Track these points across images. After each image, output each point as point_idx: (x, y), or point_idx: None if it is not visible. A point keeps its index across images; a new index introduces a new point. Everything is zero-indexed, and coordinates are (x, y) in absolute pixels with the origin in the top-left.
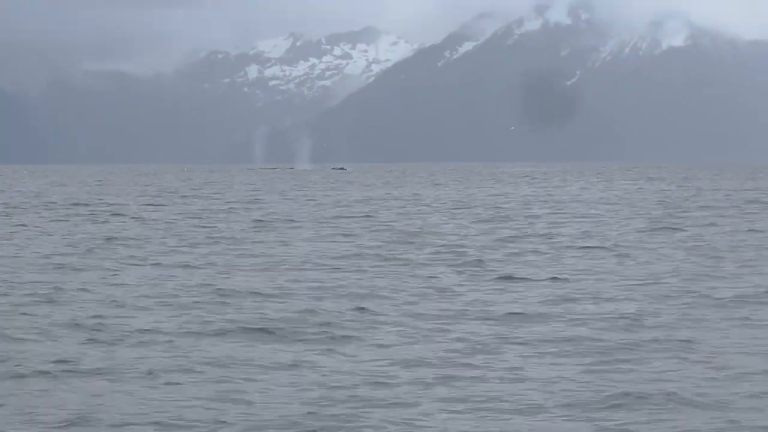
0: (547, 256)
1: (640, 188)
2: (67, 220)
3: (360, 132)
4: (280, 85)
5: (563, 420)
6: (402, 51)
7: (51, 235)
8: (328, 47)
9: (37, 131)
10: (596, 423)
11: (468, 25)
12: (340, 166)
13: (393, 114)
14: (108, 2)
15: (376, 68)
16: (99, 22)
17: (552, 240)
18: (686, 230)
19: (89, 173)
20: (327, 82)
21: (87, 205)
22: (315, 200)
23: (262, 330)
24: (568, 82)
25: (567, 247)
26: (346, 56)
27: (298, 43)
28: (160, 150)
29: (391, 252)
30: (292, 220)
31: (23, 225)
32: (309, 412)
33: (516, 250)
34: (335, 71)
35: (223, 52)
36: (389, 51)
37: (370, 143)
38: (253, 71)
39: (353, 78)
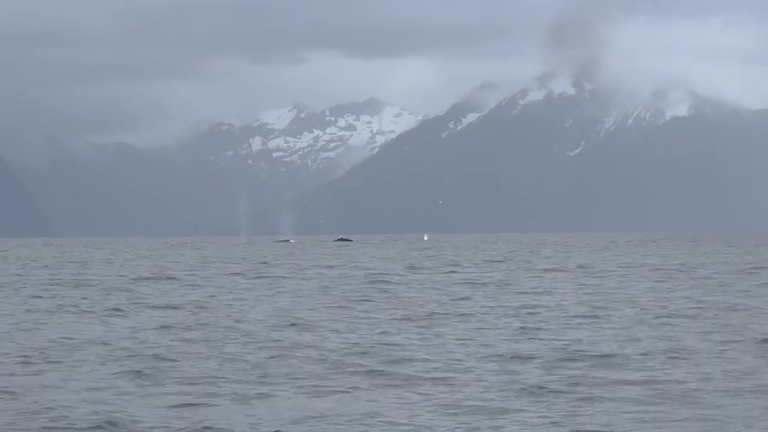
0: None
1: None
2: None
3: (361, 203)
4: (284, 156)
5: None
6: (406, 122)
7: None
8: (332, 119)
9: (40, 204)
10: None
11: (471, 96)
12: (347, 238)
13: (396, 185)
14: (111, 75)
15: (380, 139)
16: (102, 95)
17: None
18: None
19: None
20: (331, 154)
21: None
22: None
23: None
24: (572, 153)
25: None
26: (350, 127)
27: (302, 115)
28: (164, 222)
29: None
30: None
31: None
32: None
33: None
34: (339, 143)
35: (227, 124)
36: (393, 122)
37: (371, 214)
38: (257, 143)
39: (357, 149)
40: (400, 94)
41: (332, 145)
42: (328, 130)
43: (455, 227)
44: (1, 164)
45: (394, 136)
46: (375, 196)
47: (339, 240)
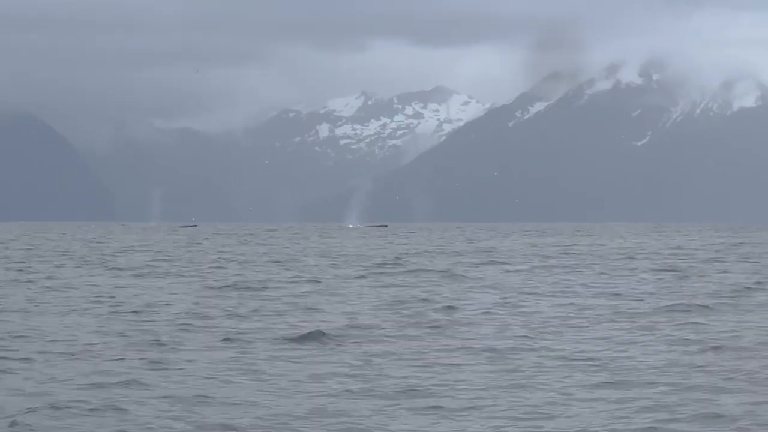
0: None
1: None
2: None
3: (431, 191)
4: (351, 144)
5: None
6: (473, 110)
7: None
8: (400, 106)
9: (104, 188)
10: None
11: (539, 85)
12: (381, 224)
13: (464, 173)
14: (177, 61)
15: (447, 127)
16: (168, 80)
17: None
18: None
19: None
20: (398, 141)
21: None
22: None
23: None
24: (639, 143)
25: None
26: (418, 115)
27: (369, 102)
28: (229, 208)
29: None
30: None
31: None
32: None
33: None
34: (406, 130)
35: (294, 111)
36: (460, 110)
37: (441, 202)
38: (324, 130)
39: (424, 137)
40: (467, 82)
41: (399, 132)
42: (396, 118)
43: (522, 216)
44: (68, 149)
45: (461, 124)
46: (441, 183)
47: (380, 226)
